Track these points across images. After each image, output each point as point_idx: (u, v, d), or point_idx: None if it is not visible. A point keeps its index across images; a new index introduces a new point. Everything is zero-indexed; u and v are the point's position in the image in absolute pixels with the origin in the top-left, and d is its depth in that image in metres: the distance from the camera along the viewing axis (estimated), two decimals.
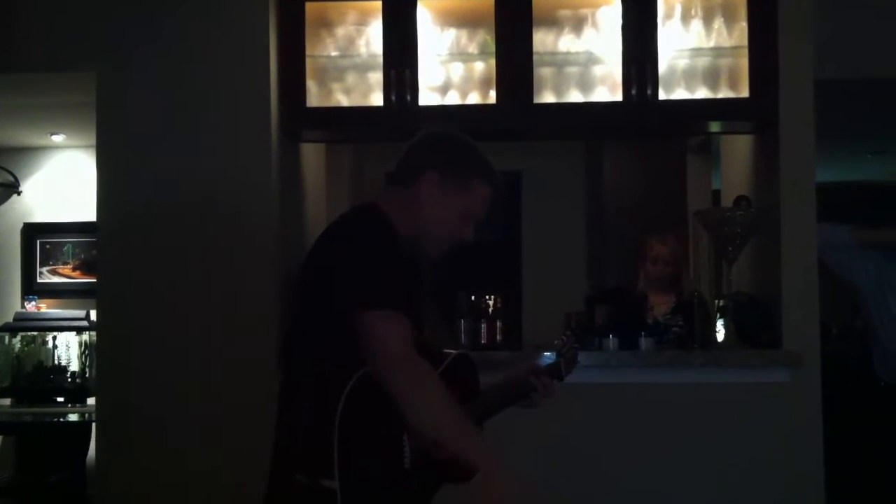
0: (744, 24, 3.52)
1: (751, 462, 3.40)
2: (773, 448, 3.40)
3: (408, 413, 1.93)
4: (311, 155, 4.16)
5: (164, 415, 3.41)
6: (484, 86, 3.62)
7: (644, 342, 3.43)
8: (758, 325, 3.53)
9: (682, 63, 3.60)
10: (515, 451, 3.36)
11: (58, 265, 6.31)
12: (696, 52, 3.59)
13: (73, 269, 6.29)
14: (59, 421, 5.60)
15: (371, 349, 1.94)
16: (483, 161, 2.19)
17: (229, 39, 3.52)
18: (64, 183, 6.20)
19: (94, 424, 4.85)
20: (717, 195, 5.07)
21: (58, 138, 5.98)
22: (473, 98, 3.63)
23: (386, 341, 1.93)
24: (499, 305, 3.61)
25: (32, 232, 6.28)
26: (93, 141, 3.67)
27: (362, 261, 2.02)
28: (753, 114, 3.57)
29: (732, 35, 3.57)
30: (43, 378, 5.90)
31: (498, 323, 3.59)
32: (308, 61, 3.59)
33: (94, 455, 4.60)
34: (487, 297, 3.64)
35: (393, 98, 3.50)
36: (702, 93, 3.57)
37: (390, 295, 1.97)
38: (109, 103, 3.59)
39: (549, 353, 2.55)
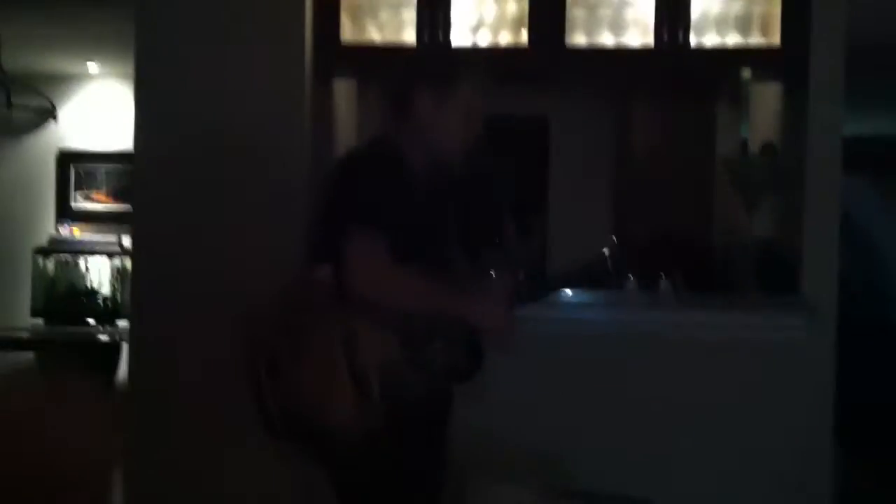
0: None
1: (764, 406, 3.46)
2: (786, 392, 3.46)
3: (390, 307, 2.10)
4: (344, 92, 4.20)
5: (195, 342, 3.49)
6: (516, 25, 3.64)
7: (663, 284, 3.49)
8: (778, 273, 3.57)
9: (715, 9, 3.60)
10: (524, 391, 3.45)
11: (91, 191, 6.42)
12: None
13: (107, 195, 6.40)
14: (90, 341, 5.76)
15: (342, 268, 2.09)
16: (454, 63, 2.37)
17: None
18: (98, 111, 6.29)
19: (123, 344, 4.99)
20: (745, 145, 5.07)
21: (93, 66, 6.04)
22: (505, 38, 3.65)
23: (352, 255, 2.07)
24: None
25: (67, 158, 6.39)
26: (127, 70, 3.72)
27: (345, 181, 2.19)
28: (784, 62, 3.57)
29: None
30: (75, 300, 6.05)
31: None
32: None
33: (122, 374, 4.75)
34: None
35: (426, 36, 3.53)
36: (733, 39, 3.58)
37: (360, 215, 2.10)
38: (147, 34, 3.62)
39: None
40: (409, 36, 3.62)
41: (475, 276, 2.35)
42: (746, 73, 3.82)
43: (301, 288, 2.17)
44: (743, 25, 3.58)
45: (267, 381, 2.05)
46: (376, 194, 2.13)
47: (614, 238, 2.41)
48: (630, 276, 2.49)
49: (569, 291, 3.31)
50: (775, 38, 3.52)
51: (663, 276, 3.49)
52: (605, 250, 2.34)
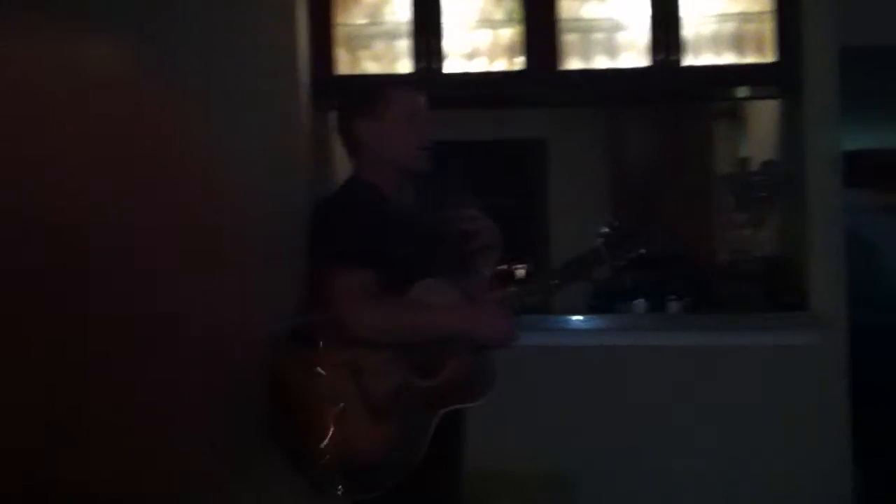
0: None
1: (777, 424, 3.44)
2: (799, 410, 3.43)
3: (387, 341, 2.12)
4: None
5: None
6: (510, 52, 3.65)
7: (672, 305, 3.46)
8: (784, 289, 3.55)
9: (708, 28, 3.61)
10: (538, 412, 3.43)
11: None
12: (723, 17, 3.60)
13: None
14: None
15: (327, 306, 2.13)
16: (378, 80, 2.78)
17: (258, 9, 3.55)
18: None
19: None
20: (745, 162, 5.07)
21: None
22: (500, 65, 3.66)
23: (335, 298, 2.11)
24: (527, 271, 3.66)
25: None
26: None
27: (319, 227, 2.26)
28: (779, 79, 3.57)
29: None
30: None
31: None
32: (336, 29, 3.63)
33: None
34: (515, 264, 3.71)
35: (421, 65, 3.53)
36: (728, 58, 3.58)
37: (340, 254, 2.14)
38: None
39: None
40: (404, 66, 3.62)
41: (469, 287, 2.33)
42: (743, 90, 3.82)
43: (302, 331, 2.18)
44: (737, 44, 3.59)
45: (284, 428, 2.05)
46: (352, 231, 2.18)
47: (611, 222, 2.40)
48: (624, 263, 2.45)
49: (576, 317, 3.30)
50: (769, 57, 3.53)
51: (672, 297, 3.46)
52: (601, 237, 2.34)
